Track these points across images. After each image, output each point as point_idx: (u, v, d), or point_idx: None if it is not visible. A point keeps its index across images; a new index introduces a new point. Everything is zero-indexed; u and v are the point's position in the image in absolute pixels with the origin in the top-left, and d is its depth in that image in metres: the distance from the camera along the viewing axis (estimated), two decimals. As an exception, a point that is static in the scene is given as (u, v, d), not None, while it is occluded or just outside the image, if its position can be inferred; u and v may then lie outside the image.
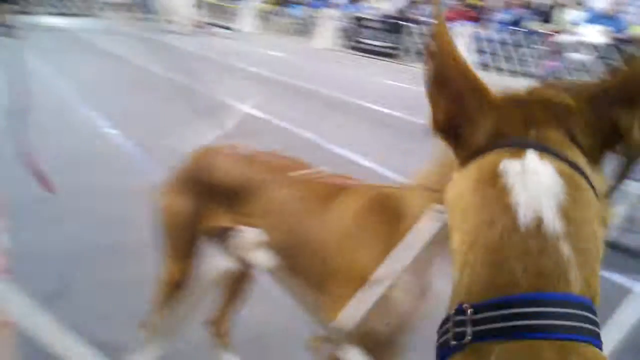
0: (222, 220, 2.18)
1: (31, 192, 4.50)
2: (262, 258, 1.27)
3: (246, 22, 21.41)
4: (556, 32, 13.23)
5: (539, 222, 0.78)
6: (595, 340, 0.75)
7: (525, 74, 12.94)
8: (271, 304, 2.90)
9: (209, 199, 2.21)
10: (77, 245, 3.85)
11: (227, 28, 21.94)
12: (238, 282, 2.61)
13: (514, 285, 0.74)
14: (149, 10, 21.93)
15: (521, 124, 0.88)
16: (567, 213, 0.79)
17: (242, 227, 1.94)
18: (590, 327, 0.75)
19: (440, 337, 0.80)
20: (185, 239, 2.26)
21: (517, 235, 0.77)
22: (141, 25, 20.39)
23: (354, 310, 1.48)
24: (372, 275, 1.56)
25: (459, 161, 0.92)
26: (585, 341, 0.73)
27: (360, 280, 1.69)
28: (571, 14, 13.31)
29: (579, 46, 12.11)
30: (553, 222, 0.78)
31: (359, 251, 1.79)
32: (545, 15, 14.16)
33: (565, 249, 0.76)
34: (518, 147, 0.85)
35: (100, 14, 22.28)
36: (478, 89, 0.91)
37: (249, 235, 1.25)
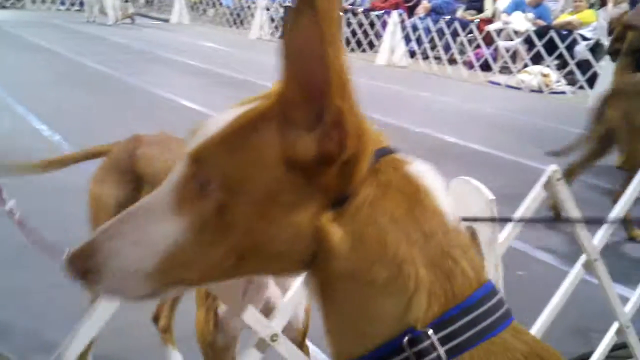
0: None
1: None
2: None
3: (178, 13, 21.06)
4: (489, 20, 13.53)
5: (455, 219, 0.79)
6: None
7: (463, 63, 13.15)
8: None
9: (138, 188, 2.14)
10: (6, 246, 3.73)
11: (159, 19, 21.57)
12: None
13: (469, 286, 0.74)
14: (80, 2, 21.40)
15: (369, 132, 0.81)
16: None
17: None
18: None
19: None
20: None
21: (455, 239, 0.77)
22: (71, 17, 19.87)
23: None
24: None
25: (328, 196, 0.78)
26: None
27: None
28: (502, 2, 13.61)
29: (507, 33, 12.38)
30: (457, 219, 0.80)
31: None
32: (478, 3, 14.46)
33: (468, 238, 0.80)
34: (388, 155, 0.82)
35: (29, 6, 21.66)
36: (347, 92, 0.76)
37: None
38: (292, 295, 1.51)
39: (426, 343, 0.70)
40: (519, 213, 2.08)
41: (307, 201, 0.77)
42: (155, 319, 2.70)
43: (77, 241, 0.84)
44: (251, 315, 1.37)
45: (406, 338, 0.71)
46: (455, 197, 1.59)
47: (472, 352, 0.70)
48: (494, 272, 1.52)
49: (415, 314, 0.72)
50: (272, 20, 18.54)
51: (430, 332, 0.71)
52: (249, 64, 12.52)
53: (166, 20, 21.04)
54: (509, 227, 1.91)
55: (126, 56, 12.87)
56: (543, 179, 2.06)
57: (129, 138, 2.30)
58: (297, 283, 1.57)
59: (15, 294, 3.18)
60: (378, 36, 14.94)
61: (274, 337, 1.41)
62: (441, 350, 0.70)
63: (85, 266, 0.79)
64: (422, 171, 0.80)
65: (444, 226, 0.77)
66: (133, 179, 2.16)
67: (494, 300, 0.74)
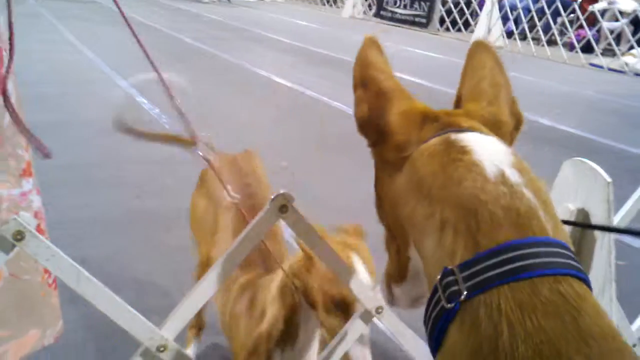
0: None
1: (60, 160, 4.59)
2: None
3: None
4: (592, 0, 13.00)
5: (502, 173, 0.81)
6: (586, 277, 0.74)
7: (563, 44, 12.72)
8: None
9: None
10: (112, 212, 3.91)
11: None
12: None
13: (499, 229, 0.76)
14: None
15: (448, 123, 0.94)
16: (520, 168, 0.83)
17: None
18: (577, 265, 0.75)
19: (430, 314, 0.79)
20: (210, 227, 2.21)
21: (489, 184, 0.80)
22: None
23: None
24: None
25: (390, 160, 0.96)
26: (579, 277, 0.73)
27: None
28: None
29: (612, 14, 11.88)
30: (512, 173, 0.81)
31: None
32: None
33: (530, 195, 0.79)
34: (453, 132, 0.90)
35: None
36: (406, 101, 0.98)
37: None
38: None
39: (451, 278, 0.75)
40: (625, 206, 1.98)
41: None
42: None
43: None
44: (357, 286, 1.38)
45: (440, 275, 0.77)
46: (569, 177, 1.54)
47: (495, 290, 0.71)
48: (607, 256, 1.47)
49: (447, 251, 0.78)
50: (366, -2, 18.46)
51: (456, 269, 0.75)
52: (341, 42, 12.52)
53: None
54: (620, 213, 1.84)
55: (222, 33, 13.11)
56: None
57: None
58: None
59: (120, 257, 3.32)
60: (474, 15, 14.62)
61: (379, 309, 1.41)
62: (462, 285, 0.73)
63: None
64: (464, 138, 0.87)
65: (475, 175, 0.81)
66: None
67: (538, 249, 0.73)
